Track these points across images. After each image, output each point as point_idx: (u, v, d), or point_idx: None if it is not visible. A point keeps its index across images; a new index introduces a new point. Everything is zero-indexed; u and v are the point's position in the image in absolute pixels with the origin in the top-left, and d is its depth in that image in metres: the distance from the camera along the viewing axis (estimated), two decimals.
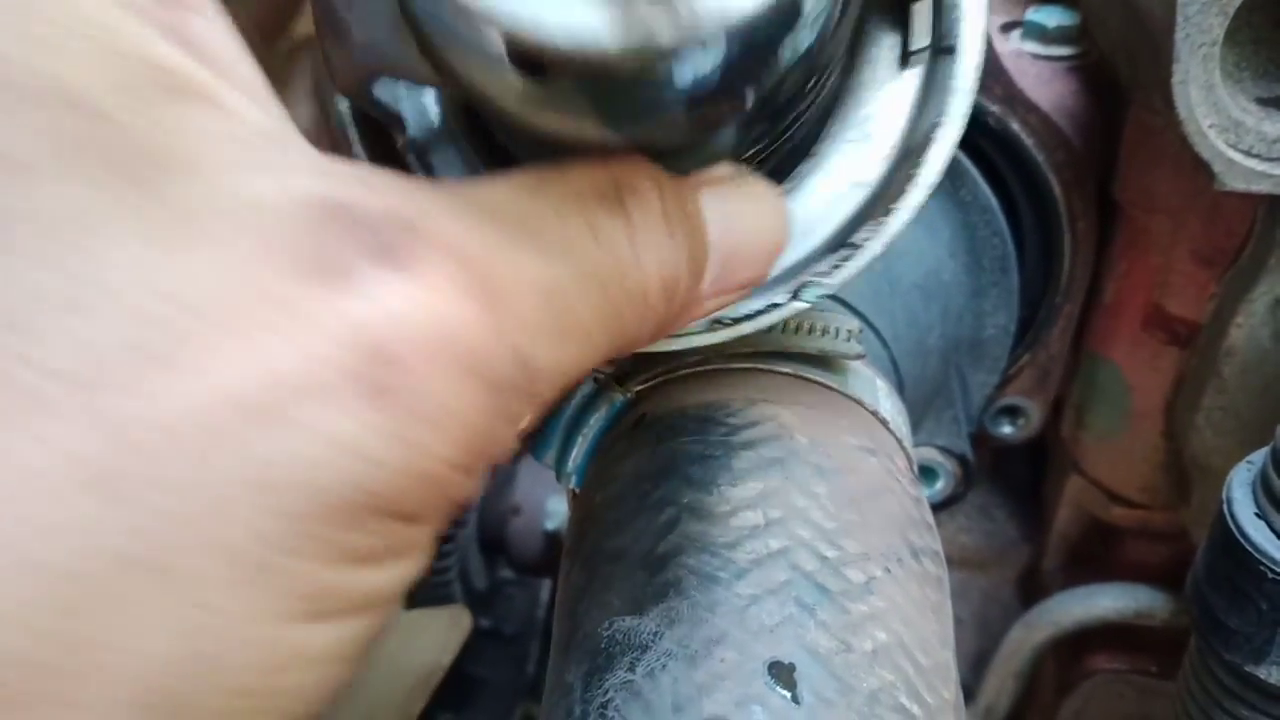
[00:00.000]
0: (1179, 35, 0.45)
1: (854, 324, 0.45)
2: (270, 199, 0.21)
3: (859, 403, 0.44)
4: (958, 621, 0.76)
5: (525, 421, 0.26)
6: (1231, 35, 0.47)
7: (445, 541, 0.78)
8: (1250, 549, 0.38)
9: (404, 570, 0.24)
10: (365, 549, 0.22)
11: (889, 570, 0.37)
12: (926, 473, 0.62)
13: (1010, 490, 0.75)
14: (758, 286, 0.33)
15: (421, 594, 0.78)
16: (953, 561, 0.72)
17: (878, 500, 0.39)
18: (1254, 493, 0.40)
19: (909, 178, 0.36)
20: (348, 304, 0.21)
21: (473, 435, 0.23)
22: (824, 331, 0.45)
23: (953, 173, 0.55)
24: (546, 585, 0.94)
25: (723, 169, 0.31)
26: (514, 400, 0.24)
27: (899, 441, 0.45)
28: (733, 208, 0.30)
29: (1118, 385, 0.61)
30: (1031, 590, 0.72)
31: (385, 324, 0.21)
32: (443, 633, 0.75)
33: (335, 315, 0.21)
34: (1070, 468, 0.66)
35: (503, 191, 0.26)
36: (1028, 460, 0.74)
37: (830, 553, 0.36)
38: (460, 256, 0.23)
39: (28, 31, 0.21)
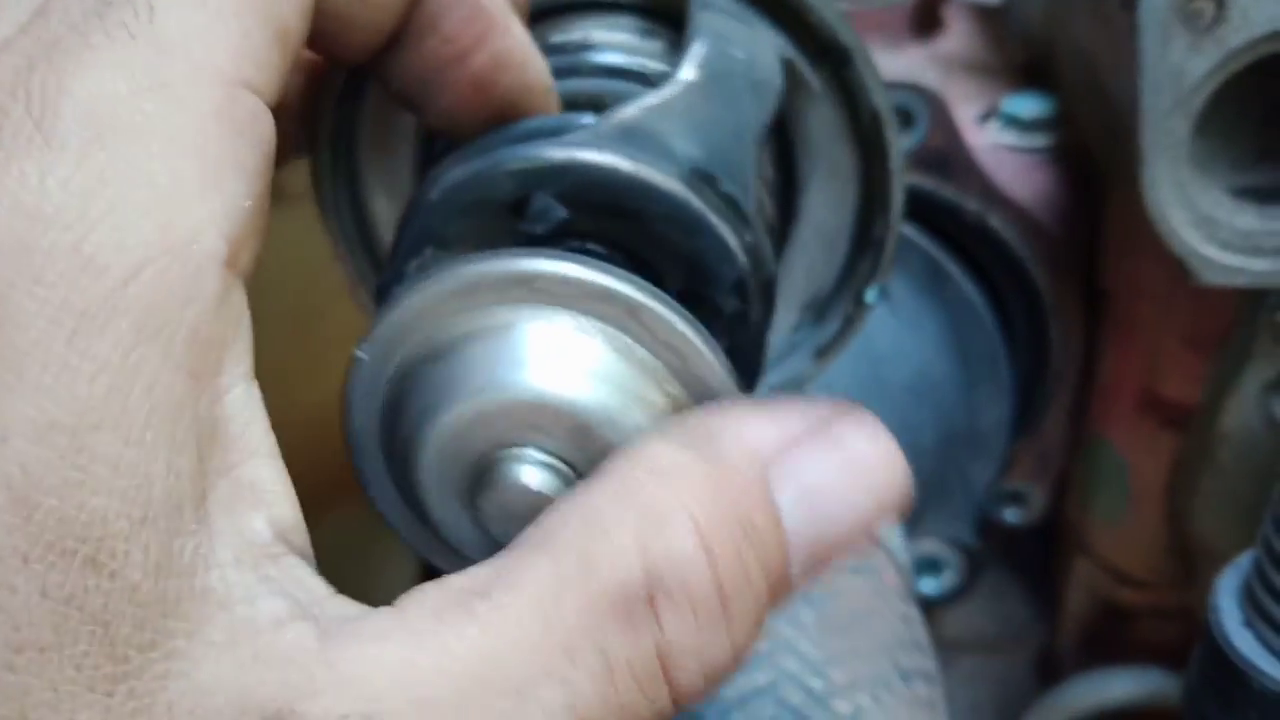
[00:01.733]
0: (1146, 136, 0.46)
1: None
2: (214, 699, 0.21)
3: None
4: (976, 706, 0.76)
5: None
6: (1202, 128, 0.48)
7: None
8: (1238, 660, 0.38)
9: None
10: None
11: (877, 699, 0.37)
12: (931, 565, 0.63)
13: (1023, 572, 0.74)
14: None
15: None
16: (968, 646, 0.72)
17: (866, 623, 0.40)
18: (1240, 601, 0.40)
19: None
20: None
21: None
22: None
23: (935, 273, 0.56)
24: None
25: (789, 418, 0.25)
26: None
27: (888, 554, 0.45)
28: (816, 478, 0.25)
29: (1118, 468, 0.61)
30: (1049, 671, 0.72)
31: None
32: None
33: None
34: (1078, 550, 0.66)
35: (501, 635, 0.23)
36: (1040, 542, 0.74)
37: (817, 684, 0.37)
38: None
39: (81, 452, 0.21)
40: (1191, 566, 0.60)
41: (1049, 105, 0.59)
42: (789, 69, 0.31)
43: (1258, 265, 0.48)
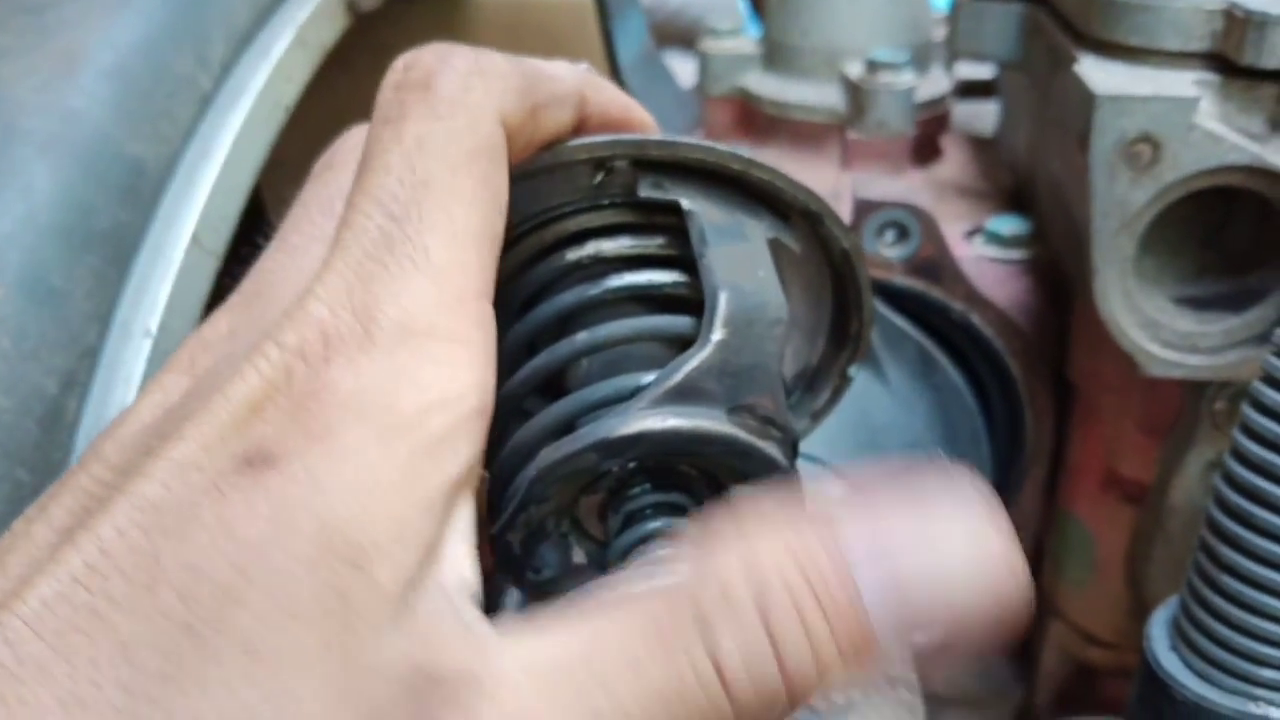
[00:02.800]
0: (1097, 253, 0.56)
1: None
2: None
3: None
4: None
5: None
6: (1151, 247, 0.58)
7: None
8: (1165, 676, 0.47)
9: None
10: None
11: (866, 695, 0.46)
12: None
13: None
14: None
15: None
16: (954, 701, 0.80)
17: None
18: (1169, 630, 0.49)
19: None
20: None
21: None
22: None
23: (925, 360, 0.65)
24: None
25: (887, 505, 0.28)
26: None
27: None
28: (905, 570, 0.26)
29: (1084, 539, 0.70)
30: None
31: None
32: None
33: None
34: (1051, 613, 0.74)
35: (574, 645, 0.28)
36: None
37: None
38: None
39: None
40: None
41: (1026, 225, 0.69)
42: (774, 245, 0.38)
43: (1193, 361, 0.57)
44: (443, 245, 0.32)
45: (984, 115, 0.88)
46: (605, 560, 0.35)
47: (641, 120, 0.40)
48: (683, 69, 0.99)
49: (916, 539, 0.27)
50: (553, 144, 0.37)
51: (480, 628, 0.30)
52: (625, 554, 0.34)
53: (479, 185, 0.33)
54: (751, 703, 0.27)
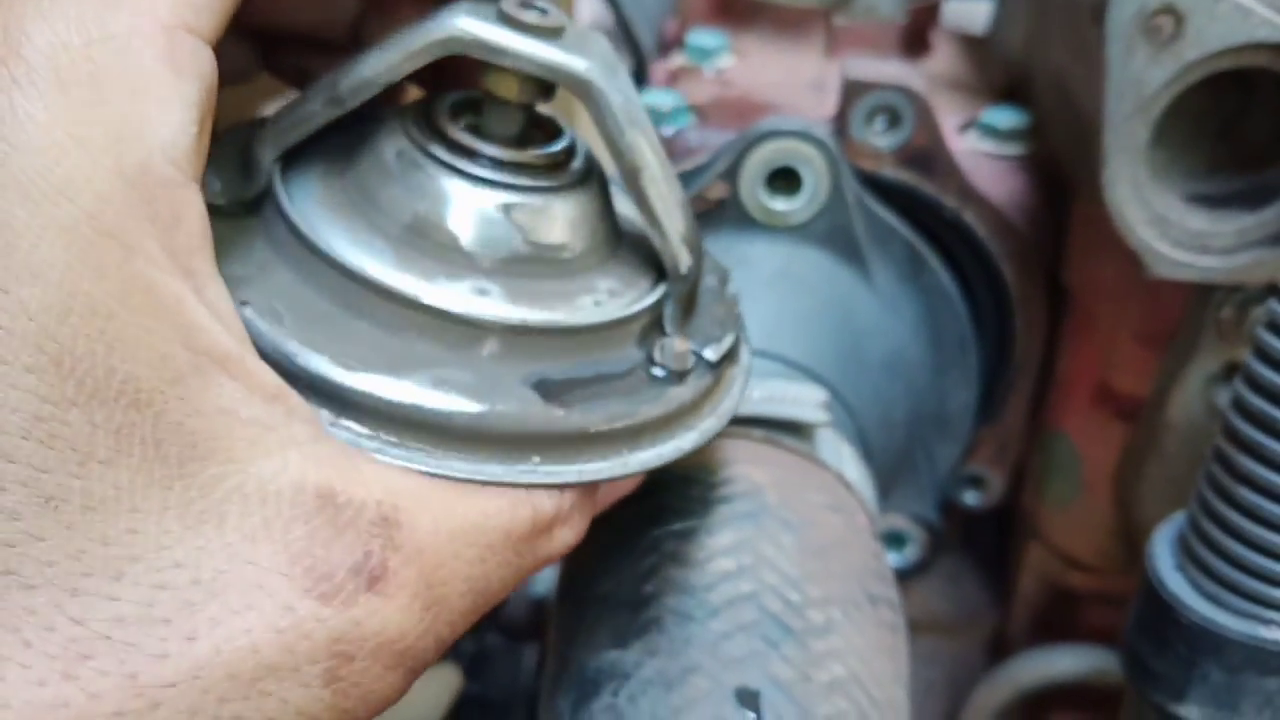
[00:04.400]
0: (1108, 140, 0.51)
1: (822, 395, 0.50)
2: (274, 484, 0.27)
3: (825, 466, 0.49)
4: (930, 685, 0.79)
5: None
6: (1162, 139, 0.53)
7: None
8: (1169, 598, 0.43)
9: None
10: None
11: (847, 614, 0.41)
12: (896, 539, 0.67)
13: (980, 558, 0.79)
14: None
15: None
16: (925, 627, 0.76)
17: (839, 552, 0.44)
18: (1174, 549, 0.44)
19: None
20: (326, 613, 0.27)
21: (390, 702, 0.30)
22: (794, 401, 0.49)
23: (914, 261, 0.60)
24: (531, 652, 0.97)
25: None
26: (425, 669, 0.31)
27: (861, 502, 0.49)
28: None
29: (1071, 457, 0.66)
30: (1000, 654, 0.76)
31: (351, 632, 0.28)
32: (434, 691, 0.78)
33: (315, 619, 0.27)
34: (1031, 535, 0.70)
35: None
36: (996, 529, 0.78)
37: (794, 596, 0.41)
38: (421, 566, 0.29)
39: (102, 330, 0.26)
40: (1136, 551, 0.65)
41: (1023, 118, 0.64)
42: None
43: (1204, 262, 0.53)
44: None
45: (973, 15, 0.82)
46: None
47: None
48: None
49: None
50: None
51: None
52: None
53: None
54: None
